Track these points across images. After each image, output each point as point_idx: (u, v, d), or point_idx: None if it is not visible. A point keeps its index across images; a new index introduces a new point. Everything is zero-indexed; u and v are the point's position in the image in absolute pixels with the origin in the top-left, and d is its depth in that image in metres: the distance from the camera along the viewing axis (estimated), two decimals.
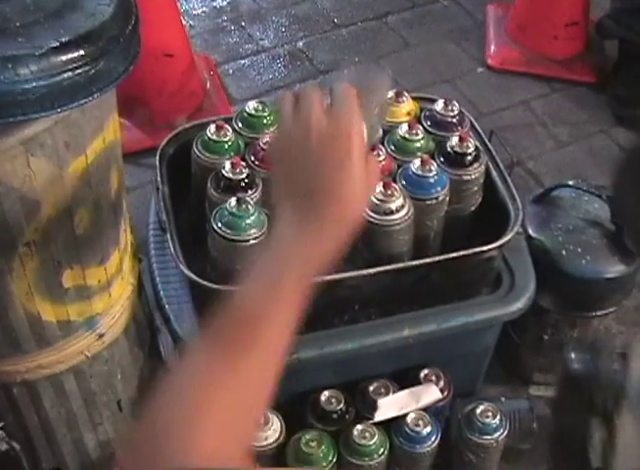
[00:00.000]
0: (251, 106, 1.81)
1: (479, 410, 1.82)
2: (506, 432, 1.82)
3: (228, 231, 1.58)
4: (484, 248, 1.69)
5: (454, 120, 1.83)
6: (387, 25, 3.17)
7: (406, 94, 1.85)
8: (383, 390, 1.82)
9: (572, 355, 1.03)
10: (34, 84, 1.16)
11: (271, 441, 1.76)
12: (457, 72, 2.98)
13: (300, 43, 3.09)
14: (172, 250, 1.64)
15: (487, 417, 1.81)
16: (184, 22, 2.91)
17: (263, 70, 2.98)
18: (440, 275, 1.72)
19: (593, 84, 2.94)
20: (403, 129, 1.77)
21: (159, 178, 1.76)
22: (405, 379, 1.86)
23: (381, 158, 1.71)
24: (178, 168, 1.79)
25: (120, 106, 1.45)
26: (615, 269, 1.91)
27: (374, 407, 1.79)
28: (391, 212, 1.63)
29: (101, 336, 1.57)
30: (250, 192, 1.66)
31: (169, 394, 0.91)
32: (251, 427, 1.06)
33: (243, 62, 3.01)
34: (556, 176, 2.56)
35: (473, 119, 1.87)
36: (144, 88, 2.53)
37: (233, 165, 1.66)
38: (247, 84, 2.92)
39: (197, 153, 1.74)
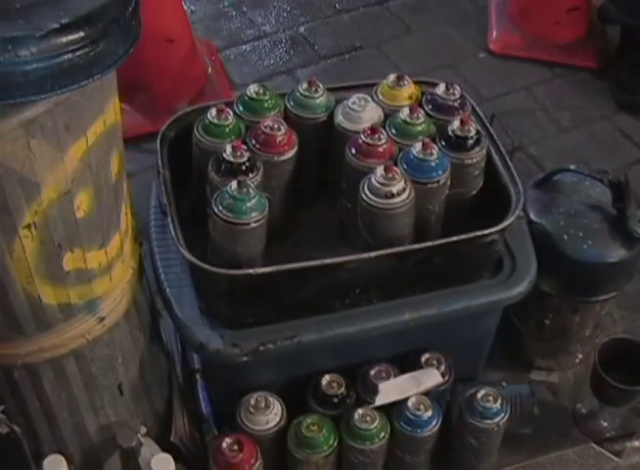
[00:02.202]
0: (253, 89, 1.80)
1: (480, 395, 1.81)
2: (507, 416, 1.82)
3: (229, 214, 1.57)
4: (485, 231, 1.69)
5: (455, 104, 1.82)
6: (388, 11, 3.17)
7: (407, 78, 1.85)
8: (384, 374, 1.82)
9: None
10: (34, 66, 1.15)
11: (272, 425, 1.77)
12: (459, 58, 2.98)
13: (302, 28, 3.09)
14: (173, 233, 1.64)
15: (488, 402, 1.81)
16: (185, 7, 2.91)
17: (265, 55, 2.98)
18: (441, 259, 1.71)
19: (595, 70, 2.94)
20: (404, 113, 1.77)
21: (160, 162, 1.76)
22: (406, 363, 1.86)
23: (382, 141, 1.70)
24: (179, 152, 1.79)
25: (122, 91, 1.44)
26: (616, 254, 1.90)
27: (375, 392, 1.79)
28: (392, 196, 1.62)
29: (102, 319, 1.57)
30: (250, 175, 1.65)
31: None
32: None
33: (244, 47, 3.01)
34: (557, 161, 2.56)
35: (474, 103, 1.87)
36: (145, 73, 2.53)
37: (234, 149, 1.66)
38: (248, 69, 2.92)
39: (198, 136, 1.74)
